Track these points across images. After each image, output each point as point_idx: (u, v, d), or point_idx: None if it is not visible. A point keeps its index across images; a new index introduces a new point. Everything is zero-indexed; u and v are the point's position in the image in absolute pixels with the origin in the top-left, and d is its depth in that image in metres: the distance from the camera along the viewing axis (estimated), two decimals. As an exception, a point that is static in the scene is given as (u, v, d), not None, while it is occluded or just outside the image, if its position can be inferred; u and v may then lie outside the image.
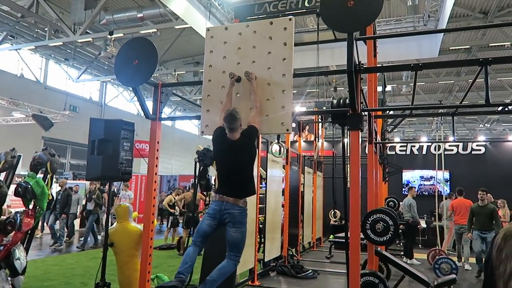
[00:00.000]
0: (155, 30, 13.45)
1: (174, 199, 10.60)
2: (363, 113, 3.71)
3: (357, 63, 3.24)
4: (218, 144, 3.44)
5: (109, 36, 13.39)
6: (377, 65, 5.53)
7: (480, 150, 13.24)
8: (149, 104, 3.90)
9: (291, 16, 3.56)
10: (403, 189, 13.07)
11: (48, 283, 6.09)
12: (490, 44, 14.74)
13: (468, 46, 15.20)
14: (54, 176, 4.51)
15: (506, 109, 4.62)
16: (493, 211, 7.56)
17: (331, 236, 10.57)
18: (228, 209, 3.25)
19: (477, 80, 3.93)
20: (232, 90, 3.56)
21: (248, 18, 5.60)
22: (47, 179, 4.30)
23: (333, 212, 10.60)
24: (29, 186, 4.03)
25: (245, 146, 3.35)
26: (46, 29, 14.61)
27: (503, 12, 12.81)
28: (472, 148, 13.28)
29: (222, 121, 3.38)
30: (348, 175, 4.30)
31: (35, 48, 16.36)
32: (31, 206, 4.18)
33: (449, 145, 13.13)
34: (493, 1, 12.22)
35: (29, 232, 4.26)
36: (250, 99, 3.49)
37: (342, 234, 9.96)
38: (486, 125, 26.79)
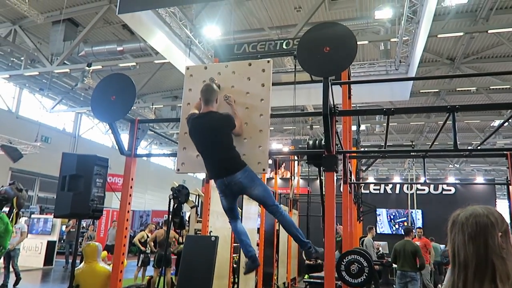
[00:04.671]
0: (134, 63, 13.53)
1: (147, 235, 10.25)
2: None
3: (333, 106, 3.33)
4: (191, 124, 3.39)
5: (87, 68, 13.33)
6: (352, 108, 5.69)
7: (450, 190, 13.62)
8: (125, 137, 3.84)
9: (269, 59, 3.66)
10: (378, 228, 13.17)
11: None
12: (457, 89, 15.52)
13: (437, 90, 15.96)
14: (19, 212, 4.31)
15: (473, 153, 4.80)
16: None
17: (306, 276, 10.40)
18: (231, 181, 3.23)
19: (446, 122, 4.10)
20: None
21: (228, 57, 5.72)
22: (12, 215, 4.10)
23: (308, 251, 10.48)
24: (-8, 222, 3.83)
25: (216, 117, 3.28)
26: (22, 58, 14.45)
27: (468, 59, 13.65)
28: (443, 188, 13.64)
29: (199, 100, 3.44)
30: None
31: (9, 76, 16.08)
32: (-8, 244, 3.95)
33: (421, 185, 13.45)
34: (459, 48, 13.01)
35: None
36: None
37: (317, 274, 9.84)
38: (455, 165, 27.71)
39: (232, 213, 3.49)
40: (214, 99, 3.36)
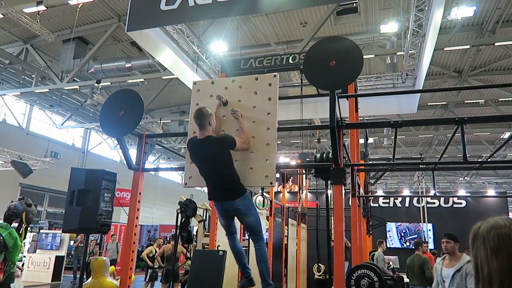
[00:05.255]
0: (142, 79, 13.69)
1: (155, 250, 10.21)
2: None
3: (340, 119, 3.32)
4: (191, 150, 3.46)
5: (96, 85, 13.53)
6: (359, 121, 5.68)
7: (461, 203, 13.41)
8: (133, 152, 3.87)
9: (276, 73, 3.69)
10: (388, 243, 13.00)
11: None
12: (466, 101, 15.44)
13: (445, 103, 15.89)
14: (28, 227, 4.34)
15: (483, 165, 4.75)
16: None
17: (315, 291, 10.26)
18: (229, 206, 3.31)
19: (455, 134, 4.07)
20: (219, 112, 3.65)
21: (235, 72, 5.77)
22: (21, 230, 4.12)
23: (317, 266, 10.36)
24: (1, 237, 3.85)
25: (213, 143, 3.28)
26: (33, 76, 14.72)
27: (476, 72, 13.61)
28: (453, 201, 13.45)
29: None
30: (332, 228, 4.26)
31: (20, 94, 16.37)
32: (1, 260, 3.96)
33: (431, 198, 13.27)
34: (466, 61, 13.00)
35: (-4, 287, 4.01)
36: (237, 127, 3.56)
37: (327, 289, 9.68)
38: (466, 178, 27.36)
39: (230, 229, 3.59)
40: (207, 123, 3.36)
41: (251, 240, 3.53)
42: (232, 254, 3.69)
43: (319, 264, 10.31)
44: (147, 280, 10.25)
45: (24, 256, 13.28)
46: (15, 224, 4.22)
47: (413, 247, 8.18)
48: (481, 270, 1.16)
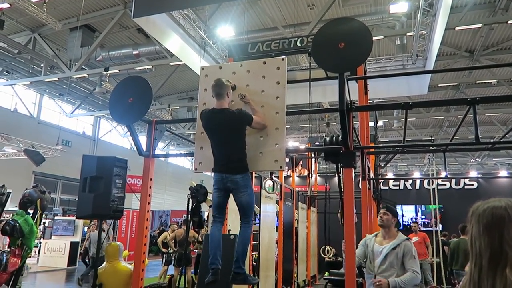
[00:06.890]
0: (150, 66, 13.69)
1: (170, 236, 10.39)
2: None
3: (349, 101, 3.29)
4: (205, 118, 3.43)
5: (104, 72, 13.57)
6: (369, 103, 5.64)
7: (472, 185, 13.31)
8: (143, 139, 3.89)
9: (284, 57, 3.65)
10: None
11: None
12: (477, 81, 15.16)
13: (456, 83, 15.63)
14: (43, 213, 4.42)
15: (495, 145, 4.69)
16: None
17: (327, 274, 10.36)
18: (229, 177, 3.28)
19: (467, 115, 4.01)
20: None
21: (242, 57, 5.74)
22: (36, 217, 4.21)
23: (326, 248, 10.41)
24: (17, 224, 3.94)
25: (231, 116, 3.29)
26: (42, 65, 14.80)
27: (488, 51, 13.31)
28: (464, 183, 13.34)
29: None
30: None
31: (30, 83, 16.50)
32: (18, 245, 4.06)
33: (442, 180, 13.17)
34: (478, 40, 12.70)
35: (14, 272, 4.12)
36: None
37: (337, 271, 9.78)
38: (477, 159, 27.09)
39: (221, 212, 3.49)
40: (225, 93, 3.38)
41: (241, 223, 3.40)
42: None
43: (326, 246, 10.34)
44: (163, 264, 10.48)
45: (40, 242, 13.59)
46: (30, 211, 4.31)
47: (459, 231, 7.81)
48: (473, 245, 1.23)
